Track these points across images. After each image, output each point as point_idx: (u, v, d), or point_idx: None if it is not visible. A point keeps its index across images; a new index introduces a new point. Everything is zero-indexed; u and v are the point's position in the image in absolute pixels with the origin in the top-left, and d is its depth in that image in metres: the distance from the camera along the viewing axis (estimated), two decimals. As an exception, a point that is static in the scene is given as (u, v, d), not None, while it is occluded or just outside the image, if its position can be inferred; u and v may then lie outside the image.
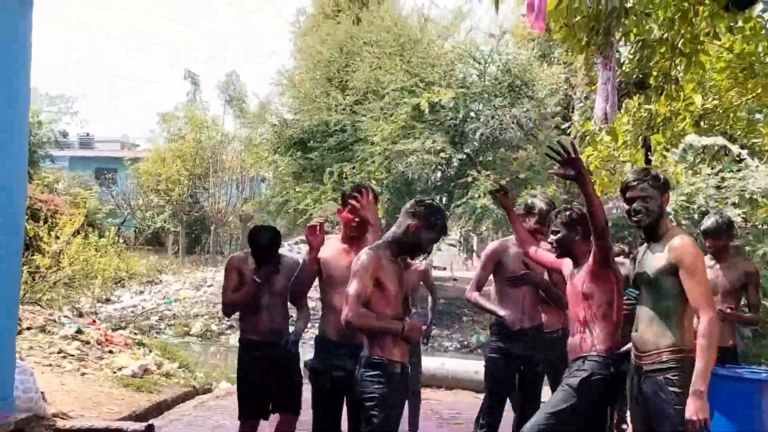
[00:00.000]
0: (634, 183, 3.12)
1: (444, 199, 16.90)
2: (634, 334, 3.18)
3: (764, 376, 3.99)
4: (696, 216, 13.41)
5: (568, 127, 10.37)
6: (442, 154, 14.76)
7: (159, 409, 6.88)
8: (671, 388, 3.00)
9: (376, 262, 3.35)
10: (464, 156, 15.85)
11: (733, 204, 13.27)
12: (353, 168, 15.35)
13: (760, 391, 3.69)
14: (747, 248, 13.04)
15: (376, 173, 15.19)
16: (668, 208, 13.81)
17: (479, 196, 14.24)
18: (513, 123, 14.58)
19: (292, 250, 15.54)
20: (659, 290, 3.09)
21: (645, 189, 3.10)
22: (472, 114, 15.30)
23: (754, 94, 7.64)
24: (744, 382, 3.81)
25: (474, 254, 22.54)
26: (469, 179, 14.81)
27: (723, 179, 13.74)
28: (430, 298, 5.99)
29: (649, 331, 3.10)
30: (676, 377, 3.01)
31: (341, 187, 16.04)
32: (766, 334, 13.13)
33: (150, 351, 8.81)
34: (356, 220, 3.77)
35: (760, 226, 13.78)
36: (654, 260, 3.12)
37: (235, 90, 29.71)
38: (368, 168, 15.15)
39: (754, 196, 7.91)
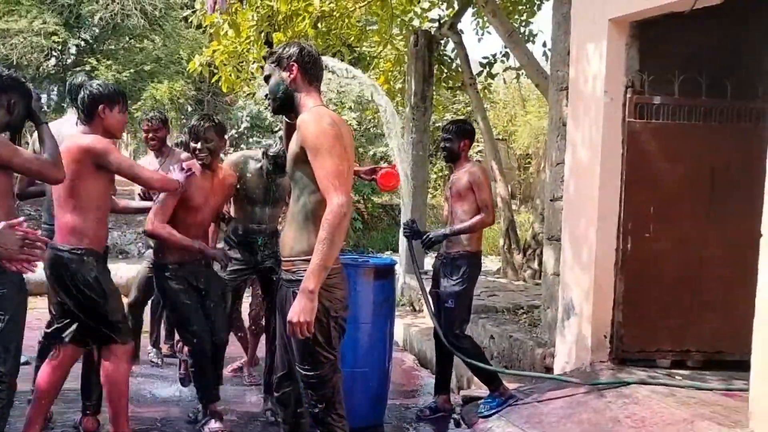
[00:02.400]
0: None
1: (60, 88, 15.28)
2: (281, 237, 2.77)
3: (361, 261, 4.41)
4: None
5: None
6: (55, 38, 13.17)
7: None
8: None
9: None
10: (82, 42, 14.39)
11: (349, 108, 14.37)
12: (-62, 47, 12.89)
13: (356, 274, 4.06)
14: (360, 149, 14.33)
15: (-30, 54, 12.97)
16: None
17: (100, 88, 13.12)
18: (136, 9, 13.55)
19: None
20: (295, 184, 2.66)
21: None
22: (90, -6, 13.84)
23: (366, 2, 8.14)
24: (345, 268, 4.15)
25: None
26: (88, 68, 13.55)
27: (341, 84, 14.71)
28: None
29: (288, 233, 2.68)
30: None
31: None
32: (373, 227, 14.87)
33: None
34: None
35: (371, 130, 15.23)
36: (291, 144, 2.70)
37: None
38: (-42, 48, 12.86)
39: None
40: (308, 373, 2.64)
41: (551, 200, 5.44)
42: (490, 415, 4.03)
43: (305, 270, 2.52)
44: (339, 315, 2.67)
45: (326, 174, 2.50)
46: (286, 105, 2.77)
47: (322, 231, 2.46)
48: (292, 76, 2.73)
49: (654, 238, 4.52)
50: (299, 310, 2.47)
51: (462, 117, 14.25)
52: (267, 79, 2.81)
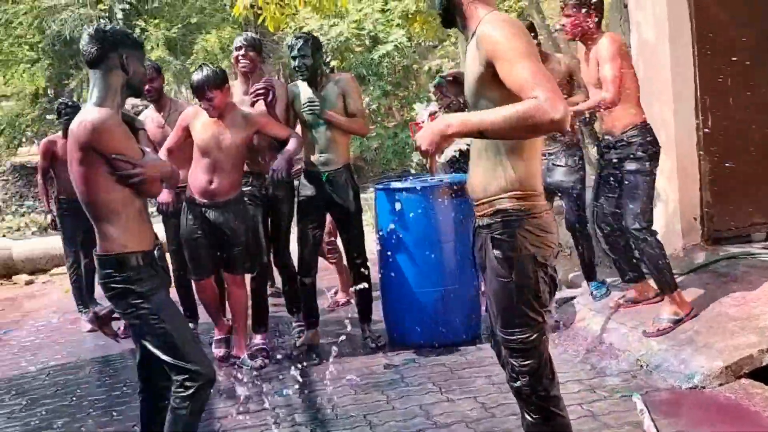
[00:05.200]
0: None
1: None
2: (468, 178, 2.27)
3: (434, 181, 4.40)
4: (367, 42, 14.08)
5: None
6: (101, 6, 13.33)
7: None
8: (495, 251, 2.12)
9: None
10: (127, 5, 14.50)
11: (398, 25, 14.06)
12: (-4, 34, 13.30)
13: (432, 194, 4.09)
14: (415, 66, 14.06)
15: (28, 36, 13.31)
16: (342, 37, 13.89)
17: (152, 48, 13.29)
18: (173, -36, 13.54)
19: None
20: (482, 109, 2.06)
21: None
22: (123, -43, 13.87)
23: None
24: (420, 190, 4.17)
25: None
26: (138, 30, 13.70)
27: (386, 2, 14.38)
28: None
29: (476, 174, 2.20)
30: (504, 235, 2.10)
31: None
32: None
33: None
34: None
35: (422, 44, 14.91)
36: (469, 66, 2.16)
37: None
38: (15, 32, 13.19)
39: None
40: (509, 338, 2.13)
41: (621, 88, 5.25)
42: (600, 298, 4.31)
43: (502, 211, 2.10)
44: (549, 263, 2.13)
45: (527, 76, 1.92)
46: (448, 17, 2.26)
47: (511, 108, 1.92)
48: None
49: (734, 109, 4.34)
50: (427, 133, 2.03)
51: None
52: None
